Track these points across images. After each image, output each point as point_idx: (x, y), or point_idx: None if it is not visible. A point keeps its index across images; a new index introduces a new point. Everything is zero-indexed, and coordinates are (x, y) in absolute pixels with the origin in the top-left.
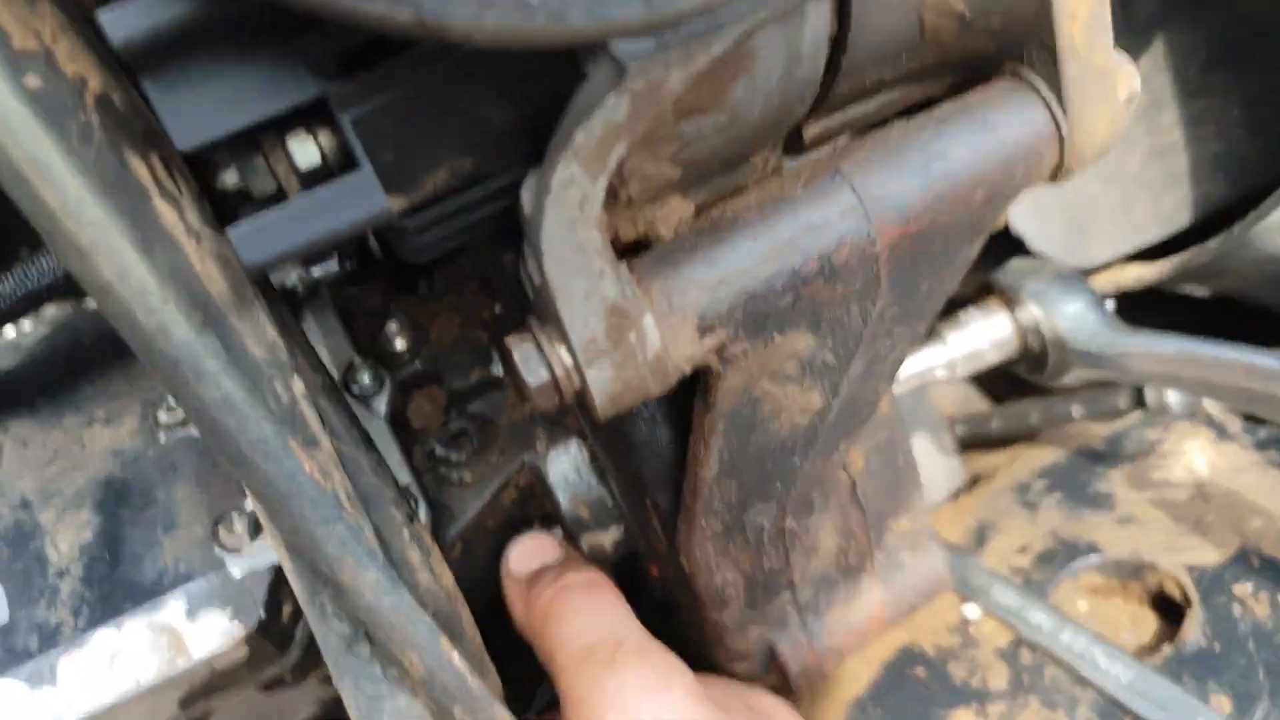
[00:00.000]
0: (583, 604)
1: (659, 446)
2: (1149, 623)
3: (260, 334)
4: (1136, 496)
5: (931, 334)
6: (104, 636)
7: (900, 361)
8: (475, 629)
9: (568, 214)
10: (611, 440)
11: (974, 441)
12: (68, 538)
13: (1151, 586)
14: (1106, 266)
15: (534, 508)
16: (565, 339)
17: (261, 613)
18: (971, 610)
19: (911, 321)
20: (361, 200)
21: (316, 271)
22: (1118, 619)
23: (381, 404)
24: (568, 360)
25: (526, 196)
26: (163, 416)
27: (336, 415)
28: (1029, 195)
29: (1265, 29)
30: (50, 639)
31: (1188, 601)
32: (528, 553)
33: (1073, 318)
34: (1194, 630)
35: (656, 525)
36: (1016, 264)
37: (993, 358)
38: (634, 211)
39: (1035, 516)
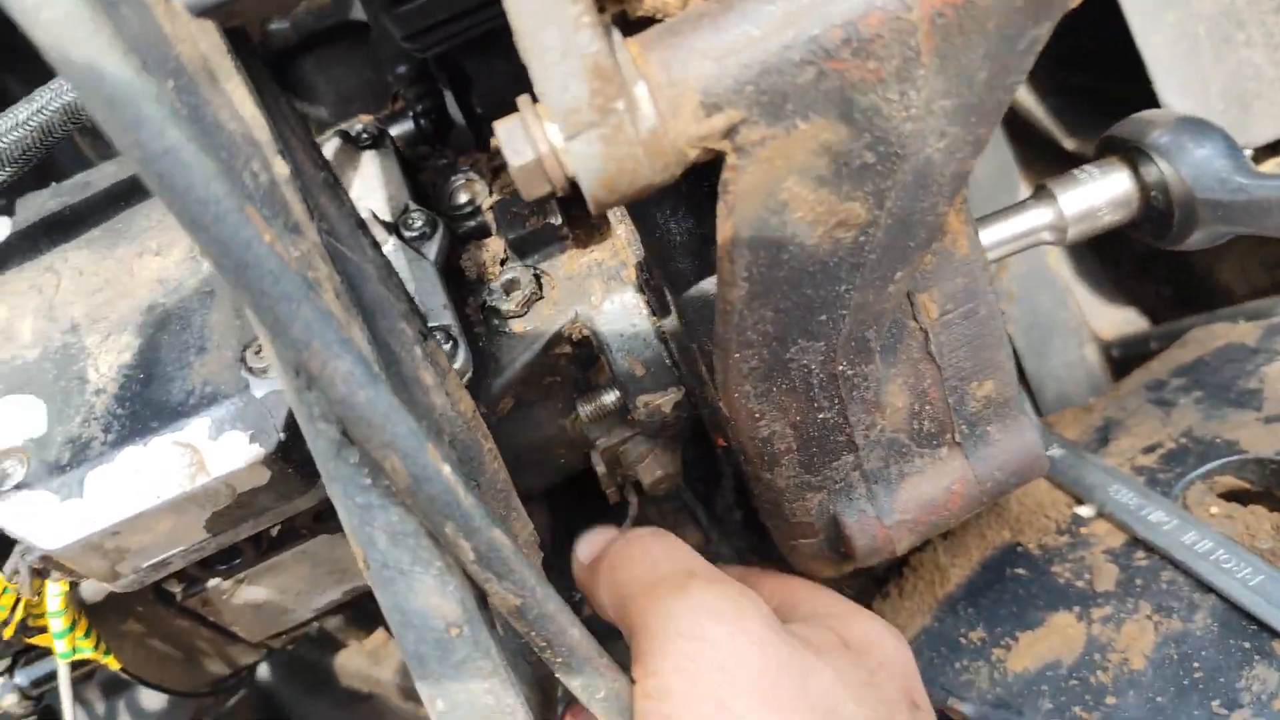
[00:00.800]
0: (651, 544)
1: (702, 282)
2: None
3: (237, 107)
4: None
5: (1039, 192)
6: (131, 453)
7: (964, 175)
8: (500, 464)
9: None
10: (665, 280)
11: (1132, 364)
12: (108, 360)
13: None
14: (1275, 146)
15: (598, 373)
16: (549, 111)
17: (280, 435)
18: (1084, 510)
19: (969, 120)
20: None
21: (394, 130)
22: (1256, 525)
23: (432, 249)
24: (555, 137)
25: None
26: None
27: (339, 217)
28: (1182, 68)
29: None
30: (81, 453)
31: None
32: (595, 544)
33: (1200, 163)
34: None
35: (705, 373)
36: (1139, 115)
37: (1110, 219)
38: None
39: (1169, 415)
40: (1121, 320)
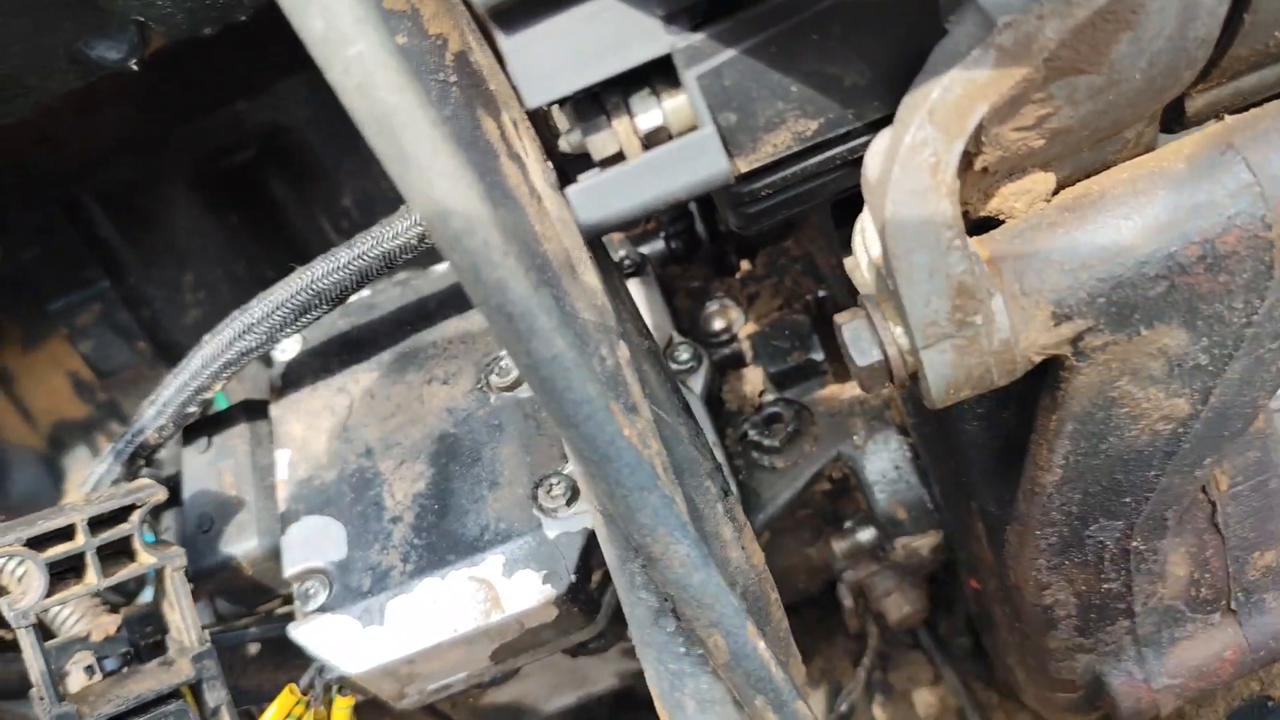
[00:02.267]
0: None
1: (993, 446)
2: None
3: (591, 297)
4: None
5: None
6: (429, 584)
7: None
8: (782, 612)
9: (918, 180)
10: (938, 436)
11: None
12: (403, 487)
13: None
14: None
15: (847, 504)
16: (903, 318)
17: (572, 577)
18: None
19: None
20: (702, 161)
21: (644, 249)
22: None
23: (699, 382)
24: (903, 341)
25: (873, 161)
26: (494, 379)
27: (659, 382)
28: None
29: None
30: (381, 581)
31: None
32: None
33: None
34: None
35: (982, 533)
36: None
37: None
38: (988, 183)
39: None
40: None
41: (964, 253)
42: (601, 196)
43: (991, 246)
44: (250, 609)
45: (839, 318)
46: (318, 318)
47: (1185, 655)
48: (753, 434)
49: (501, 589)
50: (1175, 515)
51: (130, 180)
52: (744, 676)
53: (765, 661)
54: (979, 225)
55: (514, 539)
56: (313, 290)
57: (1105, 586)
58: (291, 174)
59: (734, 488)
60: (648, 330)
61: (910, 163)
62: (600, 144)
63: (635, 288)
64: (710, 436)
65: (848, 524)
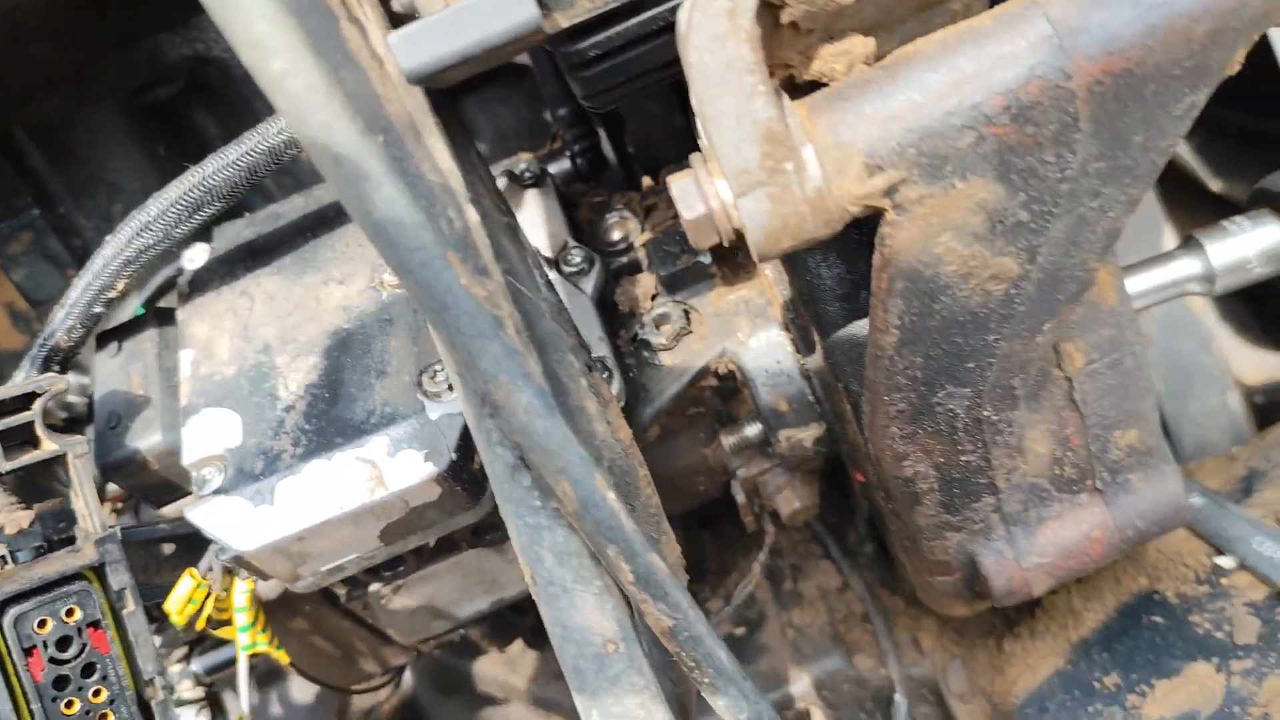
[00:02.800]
0: None
1: (850, 325)
2: None
3: (437, 160)
4: None
5: (1188, 243)
6: (317, 466)
7: (1115, 232)
8: (653, 490)
9: (715, 25)
10: (813, 322)
11: (1277, 411)
12: (297, 379)
13: None
14: None
15: (739, 406)
16: (721, 169)
17: (452, 455)
18: (1225, 561)
19: (1124, 181)
20: (513, 10)
21: (551, 168)
22: None
23: (590, 284)
24: (725, 194)
25: (682, 15)
26: (386, 278)
27: (518, 257)
28: None
29: None
30: (272, 464)
31: None
32: None
33: None
34: None
35: (850, 415)
36: None
37: (1260, 271)
38: (806, 44)
39: None
40: (1270, 365)
41: (769, 99)
42: (421, 43)
43: (810, 103)
44: (160, 506)
45: (670, 176)
46: (213, 215)
47: (1054, 534)
48: (642, 333)
49: (385, 468)
50: (1023, 385)
51: (60, 113)
52: (594, 525)
53: (615, 511)
54: (807, 89)
55: (398, 422)
56: (205, 187)
57: (963, 459)
58: (217, 107)
59: (616, 380)
60: (508, 208)
61: (708, 8)
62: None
63: (533, 198)
64: (598, 332)
65: (737, 422)
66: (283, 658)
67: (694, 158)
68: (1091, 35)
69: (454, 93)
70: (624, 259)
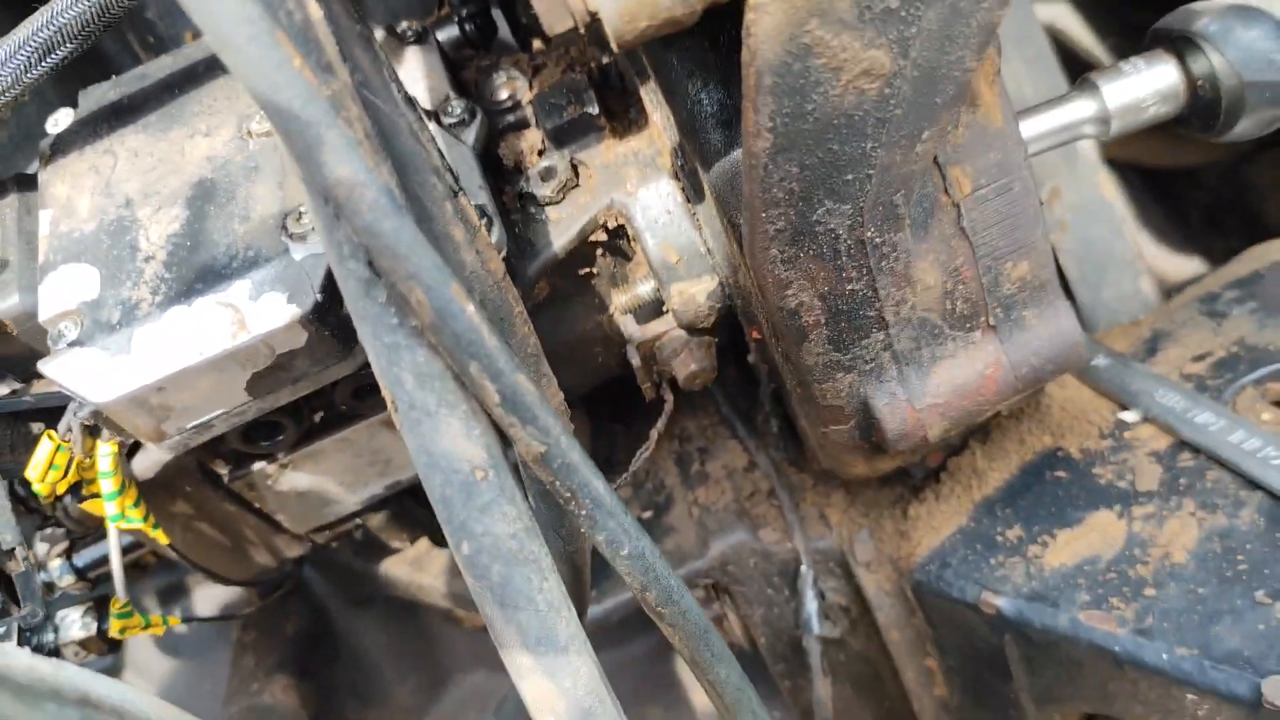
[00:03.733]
0: None
1: (732, 153)
2: None
3: None
4: None
5: (1082, 83)
6: (177, 312)
7: (990, 26)
8: (530, 329)
9: None
10: (697, 153)
11: None
12: (158, 230)
13: None
14: None
15: (635, 269)
16: None
17: (317, 296)
18: (1129, 415)
19: None
20: None
21: (440, 34)
22: None
23: (471, 135)
24: None
25: None
26: (254, 127)
27: (372, 68)
28: None
29: None
30: (130, 313)
31: None
32: None
33: (1248, 46)
34: None
35: (736, 251)
36: (1188, 5)
37: (1156, 111)
38: None
39: (1220, 325)
40: (1190, 270)
41: None
42: None
43: None
44: (26, 379)
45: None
46: (65, 57)
47: (947, 374)
48: (528, 186)
49: (248, 312)
50: (905, 203)
51: None
52: (453, 339)
53: (475, 324)
54: None
55: (261, 265)
56: (54, 26)
57: (849, 287)
58: None
59: (496, 228)
60: (362, 19)
61: None
62: None
63: (414, 54)
64: (477, 181)
65: (630, 282)
66: (161, 538)
67: None
68: None
69: None
70: (511, 117)
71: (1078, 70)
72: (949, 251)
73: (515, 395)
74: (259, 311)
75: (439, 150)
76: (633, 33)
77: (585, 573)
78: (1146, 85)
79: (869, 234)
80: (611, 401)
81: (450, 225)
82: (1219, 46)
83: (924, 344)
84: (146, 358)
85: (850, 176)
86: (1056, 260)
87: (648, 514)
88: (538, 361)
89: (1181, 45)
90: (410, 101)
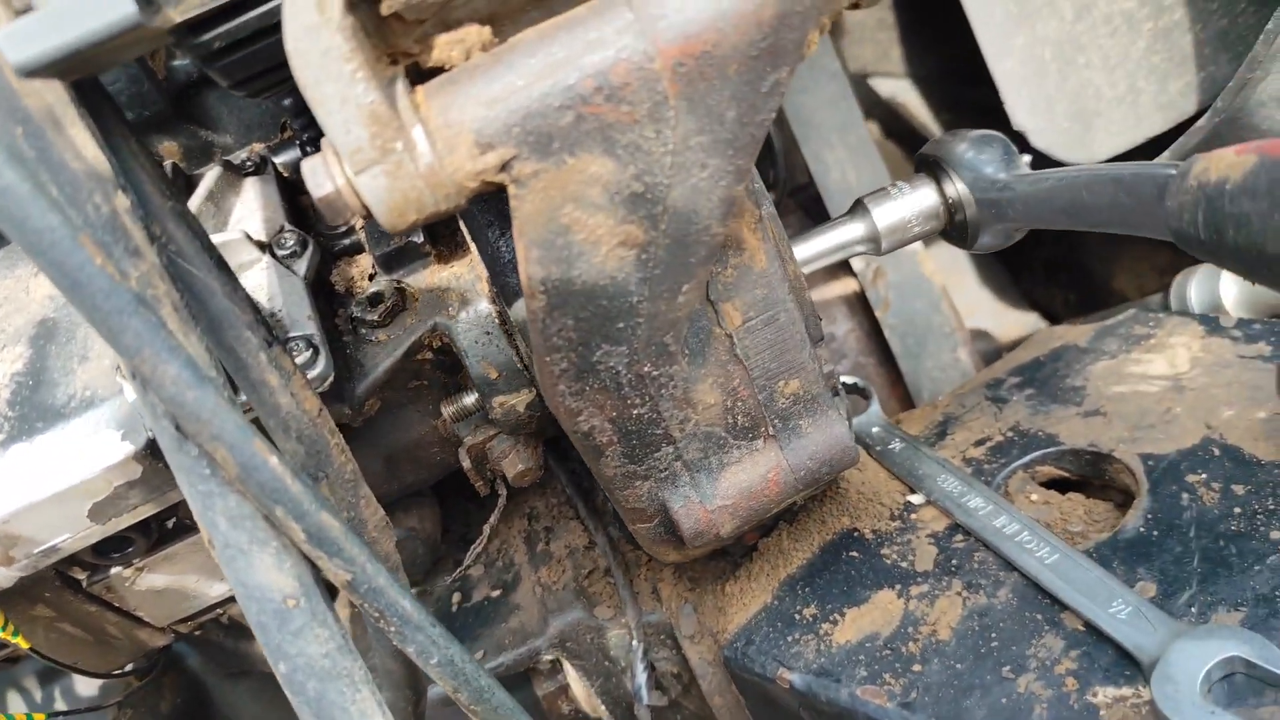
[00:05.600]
0: None
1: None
2: (1103, 514)
3: (80, 150)
4: (1108, 390)
5: (855, 207)
6: (19, 450)
7: (729, 199)
8: (347, 457)
9: (307, 16)
10: (500, 293)
11: None
12: (3, 368)
13: (1108, 478)
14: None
15: (464, 378)
16: (336, 151)
17: (149, 434)
18: (915, 498)
19: (727, 153)
20: (111, 8)
21: (280, 157)
22: (1070, 510)
23: (302, 265)
24: (347, 170)
25: (283, 8)
26: None
27: (186, 239)
28: (1030, 89)
29: None
30: None
31: (1139, 490)
32: None
33: (977, 169)
34: (1135, 518)
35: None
36: (946, 134)
37: (920, 229)
38: (422, 33)
39: (1001, 411)
40: (1026, 324)
41: (370, 84)
42: (25, 39)
43: (426, 89)
44: None
45: (304, 160)
46: None
47: (735, 478)
48: (357, 311)
49: (86, 449)
50: (676, 341)
51: None
52: (259, 489)
53: (278, 474)
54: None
55: (98, 404)
56: None
57: (634, 412)
58: None
59: (323, 358)
60: (177, 194)
61: (296, 2)
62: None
63: (251, 185)
64: (307, 311)
65: (457, 392)
66: (22, 643)
67: (324, 140)
68: (669, 20)
69: (196, 85)
70: (346, 241)
71: (915, 142)
72: (726, 375)
73: (320, 532)
74: (96, 449)
75: (253, 305)
76: (403, 224)
77: (424, 693)
78: (910, 207)
79: (646, 369)
80: (463, 478)
81: (265, 373)
82: (958, 172)
83: (711, 453)
84: None
85: (621, 324)
86: (882, 334)
87: (497, 592)
88: (355, 486)
89: (937, 170)
90: (223, 265)
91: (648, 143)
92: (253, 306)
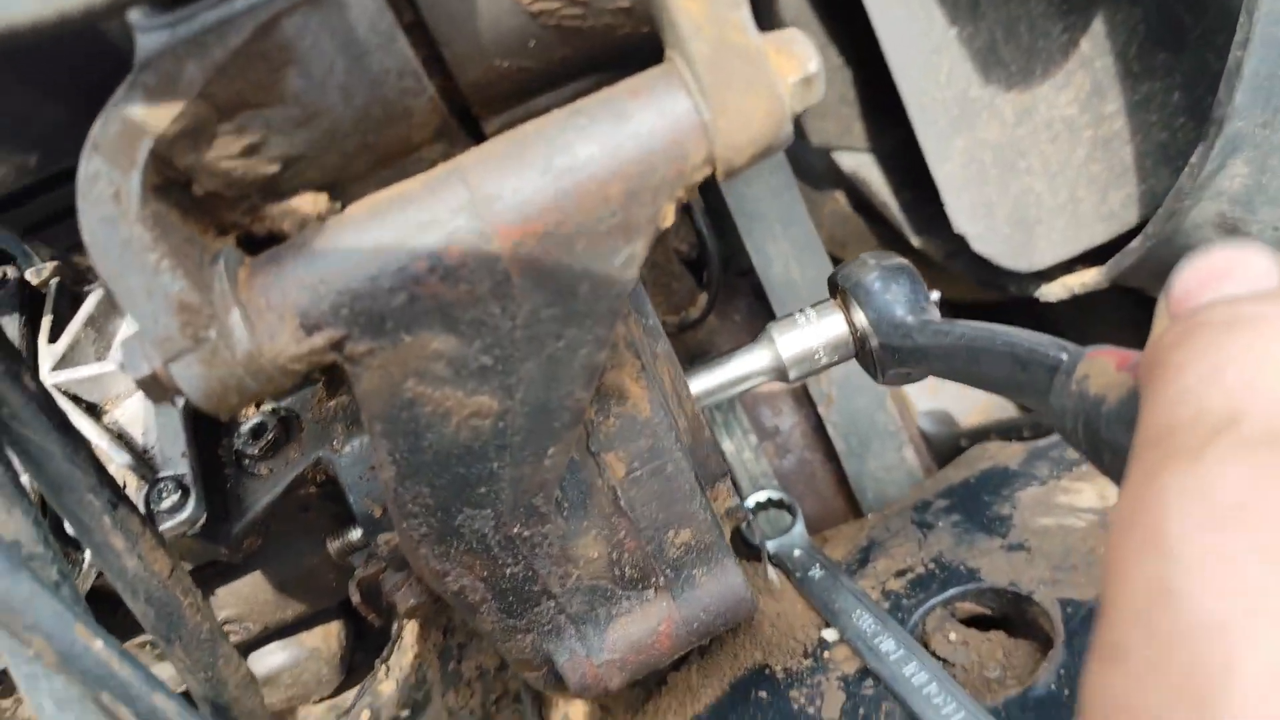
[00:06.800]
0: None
1: None
2: (1023, 658)
3: None
4: (1035, 522)
5: (762, 335)
6: None
7: (594, 367)
8: (203, 615)
9: (103, 210)
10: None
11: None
12: None
13: (1029, 619)
14: (1061, 266)
15: (341, 501)
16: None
17: None
18: (830, 633)
19: (585, 324)
20: None
21: None
22: (989, 653)
23: (181, 398)
24: (159, 358)
25: (77, 201)
26: None
27: (21, 403)
28: (971, 193)
29: (1200, 5)
30: None
31: (1055, 640)
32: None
33: (881, 308)
34: (1048, 673)
35: None
36: (862, 257)
37: (828, 359)
38: (249, 205)
39: (926, 537)
40: (996, 404)
41: (176, 273)
42: None
43: (252, 264)
44: None
45: (118, 340)
46: None
47: (624, 630)
48: (239, 444)
49: None
50: (545, 501)
51: None
52: (82, 676)
53: (104, 659)
54: (268, 243)
55: None
56: None
57: (508, 571)
58: None
59: (192, 500)
60: (18, 354)
61: (90, 194)
62: None
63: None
64: (182, 449)
65: (344, 525)
66: None
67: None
68: (506, 202)
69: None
70: None
71: (876, 218)
72: (611, 528)
73: (151, 715)
74: None
75: (97, 466)
76: (225, 409)
77: None
78: (818, 336)
79: (515, 530)
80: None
81: (110, 536)
82: (864, 306)
83: (598, 605)
84: None
85: (483, 490)
86: (826, 432)
87: (405, 713)
88: (212, 645)
89: (848, 298)
90: (65, 427)
91: (493, 319)
92: (96, 467)
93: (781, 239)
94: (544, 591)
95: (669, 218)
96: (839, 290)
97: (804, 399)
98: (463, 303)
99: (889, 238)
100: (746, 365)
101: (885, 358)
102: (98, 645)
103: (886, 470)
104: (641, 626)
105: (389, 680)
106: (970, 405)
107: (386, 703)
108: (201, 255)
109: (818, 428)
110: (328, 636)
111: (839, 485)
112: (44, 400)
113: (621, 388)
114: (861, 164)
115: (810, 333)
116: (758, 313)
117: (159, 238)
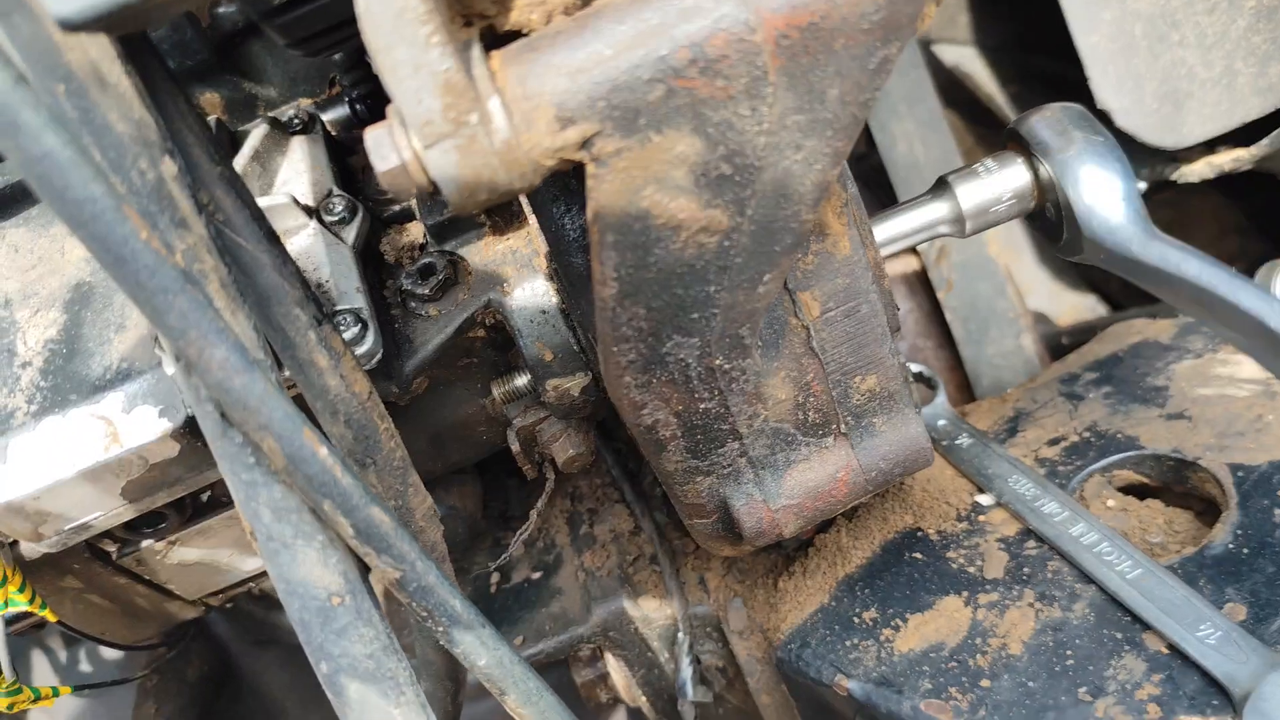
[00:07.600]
0: None
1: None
2: (1185, 525)
3: (126, 110)
4: (1194, 392)
5: (939, 185)
6: (51, 423)
7: (823, 184)
8: (397, 443)
9: None
10: (562, 273)
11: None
12: (36, 334)
13: (1191, 486)
14: (1202, 146)
15: (516, 356)
16: (405, 121)
17: (188, 410)
18: (984, 498)
19: (826, 134)
20: None
21: (328, 114)
22: (1150, 519)
23: (351, 233)
24: (416, 144)
25: None
26: None
27: (235, 208)
28: (1118, 66)
29: None
30: (5, 423)
31: (1227, 503)
32: None
33: (1096, 203)
34: (1224, 532)
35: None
36: (1045, 115)
37: (1008, 212)
38: None
39: (1077, 408)
40: (1084, 307)
41: (445, 50)
42: None
43: (502, 54)
44: None
45: (367, 130)
46: None
47: (801, 477)
48: (407, 284)
49: (121, 425)
50: (752, 334)
51: None
52: (306, 482)
53: (328, 465)
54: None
55: (134, 378)
56: None
57: (702, 406)
58: None
59: (371, 333)
60: (225, 158)
61: None
62: None
63: (299, 145)
64: (355, 283)
65: (509, 372)
66: (50, 616)
67: (390, 108)
68: None
69: (242, 35)
70: (396, 208)
71: (975, 114)
72: (800, 369)
73: (369, 528)
74: (132, 425)
75: (303, 280)
76: (473, 204)
77: (464, 685)
78: (998, 186)
79: (718, 362)
80: (506, 455)
81: (314, 353)
82: (1069, 188)
83: (779, 450)
84: (22, 468)
85: (696, 315)
86: (942, 316)
87: (538, 574)
88: (404, 473)
89: (1034, 154)
90: (273, 237)
91: (741, 121)
92: (302, 281)
93: (906, 118)
94: (731, 431)
95: (929, 18)
96: (1023, 141)
97: (918, 285)
98: (715, 101)
99: (990, 128)
100: (924, 216)
101: (1089, 250)
102: (323, 452)
103: (1004, 356)
104: (820, 473)
105: (520, 544)
106: (1066, 305)
107: (517, 565)
108: (459, 39)
109: (931, 314)
110: (465, 496)
111: (952, 372)
112: (254, 207)
113: (823, 222)
114: (964, 57)
115: (991, 183)
116: (868, 202)
117: (431, 10)
